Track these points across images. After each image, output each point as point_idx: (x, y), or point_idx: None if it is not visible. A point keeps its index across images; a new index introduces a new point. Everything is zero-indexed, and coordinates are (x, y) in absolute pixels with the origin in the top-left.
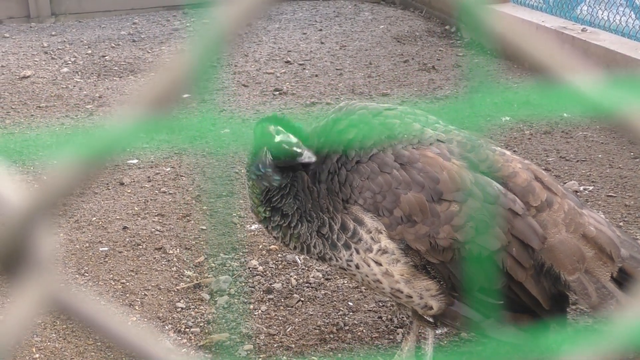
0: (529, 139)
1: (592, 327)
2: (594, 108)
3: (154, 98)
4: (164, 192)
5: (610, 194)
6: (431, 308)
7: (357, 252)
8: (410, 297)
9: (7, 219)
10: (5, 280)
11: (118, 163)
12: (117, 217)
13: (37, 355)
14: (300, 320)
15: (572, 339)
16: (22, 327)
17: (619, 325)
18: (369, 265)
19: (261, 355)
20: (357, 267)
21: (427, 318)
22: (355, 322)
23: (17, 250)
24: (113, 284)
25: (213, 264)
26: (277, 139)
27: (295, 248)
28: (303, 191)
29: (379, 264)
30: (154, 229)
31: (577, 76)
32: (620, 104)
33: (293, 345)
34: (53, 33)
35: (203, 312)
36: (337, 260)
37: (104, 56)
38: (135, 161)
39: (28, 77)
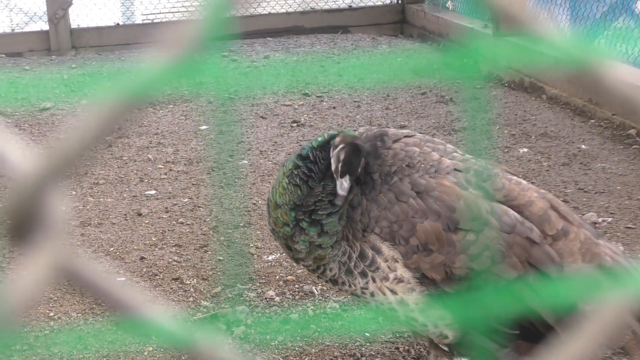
0: (547, 170)
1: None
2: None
3: (180, 42)
4: (182, 223)
5: (629, 225)
6: (446, 337)
7: (374, 280)
8: (425, 325)
9: (17, 184)
10: (15, 247)
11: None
12: (135, 248)
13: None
14: (317, 350)
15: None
16: (31, 293)
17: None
18: (384, 294)
19: None
20: (372, 295)
21: (443, 347)
22: (372, 352)
23: (27, 216)
24: None
25: (230, 295)
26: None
27: (307, 266)
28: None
29: (394, 292)
30: (171, 260)
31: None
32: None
33: None
34: (73, 66)
35: (220, 342)
36: (350, 286)
37: None
38: (153, 192)
39: (48, 109)
